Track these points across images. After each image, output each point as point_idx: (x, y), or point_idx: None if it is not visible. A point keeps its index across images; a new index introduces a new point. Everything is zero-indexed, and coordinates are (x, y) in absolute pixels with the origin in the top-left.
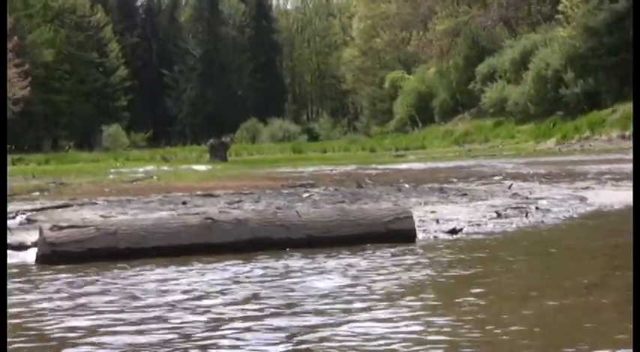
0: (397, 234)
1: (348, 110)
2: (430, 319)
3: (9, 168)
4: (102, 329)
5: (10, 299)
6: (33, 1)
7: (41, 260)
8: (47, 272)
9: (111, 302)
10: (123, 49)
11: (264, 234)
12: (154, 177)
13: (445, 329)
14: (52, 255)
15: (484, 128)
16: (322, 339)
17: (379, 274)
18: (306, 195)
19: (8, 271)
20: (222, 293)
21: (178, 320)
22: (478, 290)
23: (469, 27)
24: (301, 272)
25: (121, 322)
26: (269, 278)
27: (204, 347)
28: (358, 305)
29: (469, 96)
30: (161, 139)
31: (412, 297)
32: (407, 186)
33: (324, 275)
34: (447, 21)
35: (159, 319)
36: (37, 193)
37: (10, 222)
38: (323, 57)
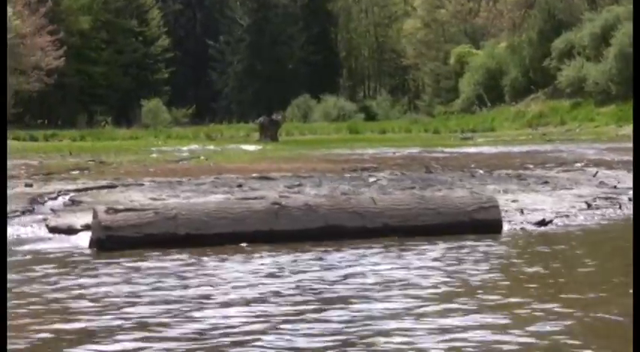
0: (481, 224)
1: (408, 88)
2: (534, 327)
3: (42, 143)
4: (152, 320)
5: (67, 285)
6: None
7: (96, 245)
8: (103, 259)
9: (168, 289)
10: (164, 17)
11: (336, 222)
12: (201, 157)
13: (545, 334)
14: (108, 240)
15: (560, 109)
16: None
17: (467, 268)
18: (372, 179)
19: (61, 255)
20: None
21: (258, 311)
22: (584, 287)
23: None
24: (378, 262)
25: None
26: (343, 268)
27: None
28: (444, 300)
29: (543, 74)
30: (204, 116)
31: (505, 292)
32: (481, 172)
33: (403, 267)
34: None
35: (225, 315)
36: (77, 172)
37: (53, 203)
38: (382, 29)
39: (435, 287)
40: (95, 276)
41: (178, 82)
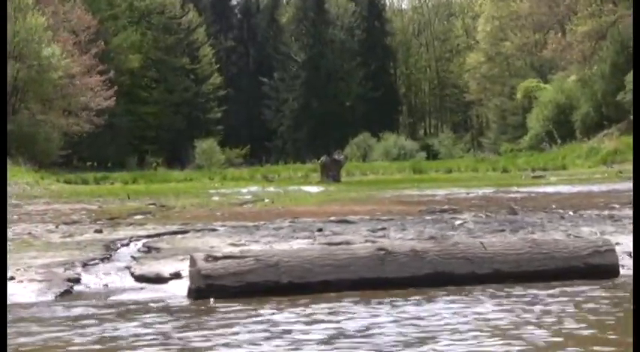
0: (597, 269)
1: (471, 124)
2: None
3: (94, 187)
4: None
5: (172, 339)
6: (118, 1)
7: (195, 294)
8: (208, 309)
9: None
10: (216, 54)
11: (445, 268)
12: (265, 200)
13: None
14: (208, 289)
15: None
16: None
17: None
18: (458, 222)
19: (162, 306)
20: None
21: None
22: None
23: (616, 28)
24: (491, 311)
25: None
26: (461, 318)
27: None
28: None
29: (617, 108)
30: (258, 156)
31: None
32: (570, 213)
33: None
34: (590, 21)
35: None
36: (140, 216)
37: (127, 250)
38: (443, 63)
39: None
40: (213, 328)
41: (231, 120)
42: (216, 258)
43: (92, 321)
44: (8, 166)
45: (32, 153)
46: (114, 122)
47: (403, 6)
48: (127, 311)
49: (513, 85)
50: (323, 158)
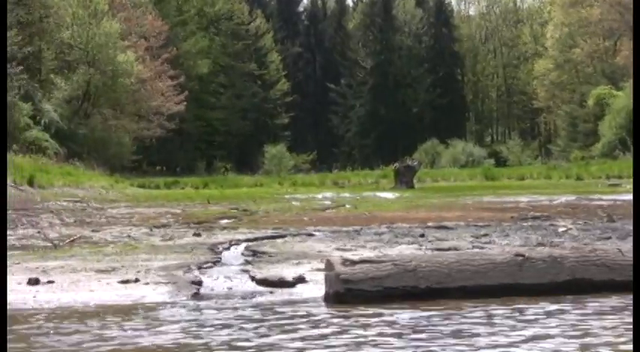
0: None
1: (539, 131)
2: None
3: (168, 191)
4: None
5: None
6: (187, 7)
7: (333, 298)
8: (354, 314)
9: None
10: (284, 60)
11: (583, 275)
12: (346, 205)
13: None
14: (347, 294)
15: None
16: None
17: None
18: (562, 229)
19: (303, 312)
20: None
21: None
22: None
23: None
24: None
25: None
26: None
27: None
28: None
29: None
30: (325, 162)
31: None
32: None
33: None
34: None
35: None
36: (227, 221)
37: (230, 253)
38: (511, 70)
39: None
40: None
41: (298, 126)
42: (353, 262)
43: (234, 323)
44: (82, 170)
45: (105, 157)
46: (183, 127)
47: (470, 12)
48: (267, 315)
49: (583, 92)
50: (396, 164)
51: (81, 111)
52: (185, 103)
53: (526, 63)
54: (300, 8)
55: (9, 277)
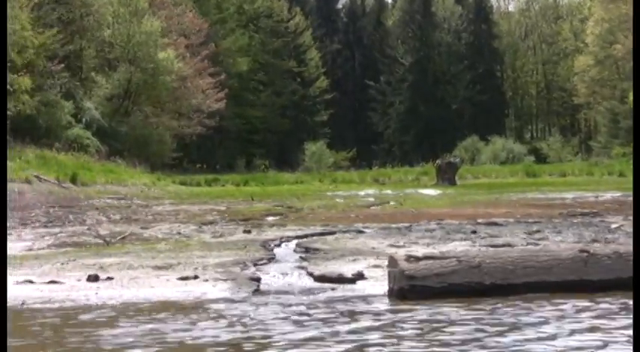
0: None
1: (579, 127)
2: None
3: (210, 188)
4: None
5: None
6: (226, 5)
7: (397, 294)
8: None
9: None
10: (323, 58)
11: None
12: (391, 202)
13: None
14: (411, 290)
15: None
16: None
17: None
18: (615, 226)
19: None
20: None
21: None
22: None
23: None
24: None
25: None
26: None
27: None
28: None
29: None
30: (365, 158)
31: None
32: None
33: None
34: None
35: None
36: (273, 218)
37: (282, 250)
38: (550, 66)
39: None
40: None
41: (337, 124)
42: (417, 259)
43: (301, 319)
44: (123, 168)
45: (146, 154)
46: (222, 125)
47: (510, 9)
48: (334, 311)
49: (624, 88)
50: (438, 161)
51: (122, 109)
52: (225, 101)
53: (566, 59)
54: (339, 5)
55: (66, 273)
